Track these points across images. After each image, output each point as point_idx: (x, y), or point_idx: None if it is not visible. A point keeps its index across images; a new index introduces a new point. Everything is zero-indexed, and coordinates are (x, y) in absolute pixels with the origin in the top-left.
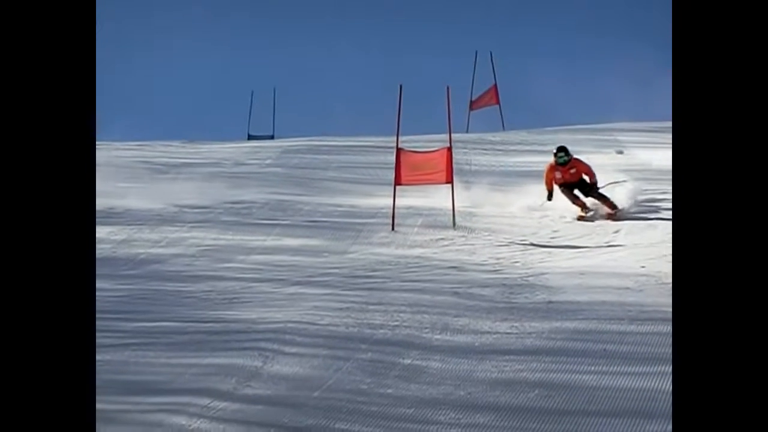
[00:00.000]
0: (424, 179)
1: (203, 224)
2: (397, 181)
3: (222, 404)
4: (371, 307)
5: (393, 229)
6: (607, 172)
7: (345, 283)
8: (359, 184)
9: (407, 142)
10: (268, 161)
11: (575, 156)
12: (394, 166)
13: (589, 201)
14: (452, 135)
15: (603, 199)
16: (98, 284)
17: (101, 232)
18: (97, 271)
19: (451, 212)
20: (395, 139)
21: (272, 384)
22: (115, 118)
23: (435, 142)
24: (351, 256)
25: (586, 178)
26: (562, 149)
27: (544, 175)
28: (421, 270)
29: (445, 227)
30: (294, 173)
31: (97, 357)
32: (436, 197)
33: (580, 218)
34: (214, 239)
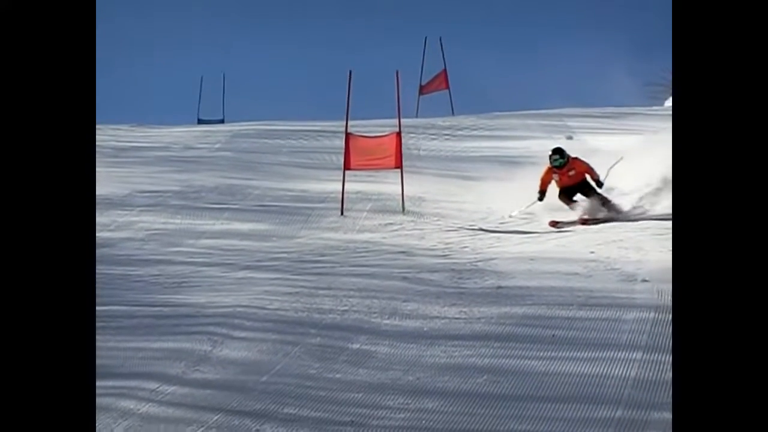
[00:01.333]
0: (373, 164)
1: (153, 208)
2: (347, 166)
3: (171, 388)
4: (320, 292)
5: (342, 214)
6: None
7: (294, 267)
8: (309, 169)
9: (357, 127)
10: (217, 145)
11: (574, 156)
12: (343, 151)
13: (590, 203)
14: (402, 120)
15: (605, 201)
16: None
17: None
18: None
19: (401, 197)
20: (345, 124)
21: (221, 368)
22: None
23: (385, 127)
24: (300, 240)
25: (589, 178)
26: (556, 151)
27: (541, 175)
28: (371, 255)
29: (394, 212)
30: (244, 158)
31: None
32: (386, 182)
33: (553, 224)
34: (164, 223)
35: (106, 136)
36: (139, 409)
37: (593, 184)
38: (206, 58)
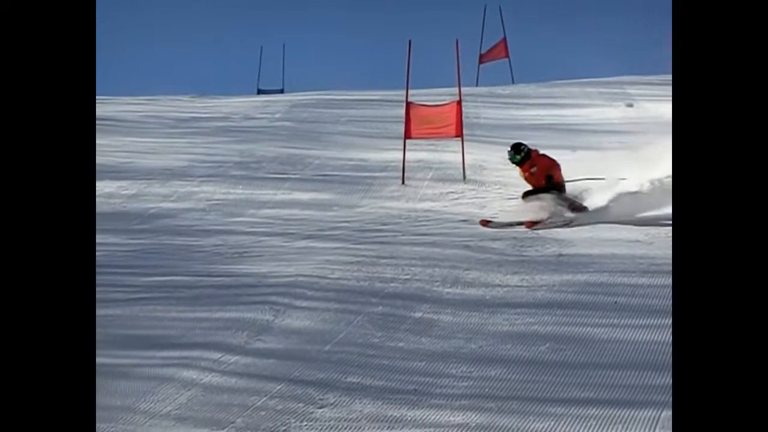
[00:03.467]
0: (434, 133)
1: (213, 178)
2: (407, 135)
3: (233, 358)
4: (382, 260)
5: (403, 182)
6: (616, 125)
7: (355, 236)
8: (369, 138)
9: (417, 96)
10: (277, 115)
11: (538, 151)
12: (404, 119)
13: (550, 204)
14: (462, 89)
15: (566, 200)
16: (109, 239)
17: (111, 186)
18: (108, 226)
19: (462, 166)
20: (405, 92)
21: (283, 338)
22: (125, 71)
23: (445, 95)
24: (361, 209)
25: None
26: (513, 146)
27: None
28: (432, 223)
29: (455, 181)
30: (304, 127)
31: (108, 311)
32: (446, 151)
33: (530, 225)
34: (224, 193)
35: (166, 107)
36: (201, 379)
37: (553, 183)
38: (266, 27)
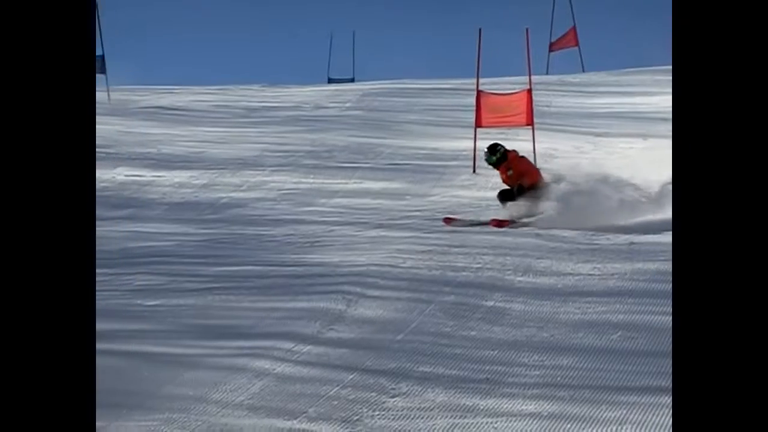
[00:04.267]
0: (504, 121)
1: (284, 168)
2: (478, 124)
3: (306, 348)
4: (453, 249)
5: (474, 171)
6: None
7: (427, 225)
8: (440, 127)
9: (487, 84)
10: (348, 104)
11: (517, 153)
12: (474, 108)
13: (522, 206)
14: (532, 77)
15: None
16: (180, 228)
17: (183, 176)
18: (179, 216)
19: (532, 154)
20: (475, 81)
21: (356, 327)
22: (195, 61)
23: (515, 84)
24: (433, 198)
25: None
26: (489, 147)
27: None
28: (503, 212)
29: None
30: (374, 116)
31: (180, 301)
32: (517, 139)
33: (496, 223)
34: (296, 183)
35: (236, 96)
36: (274, 369)
37: (523, 191)
38: (336, 16)
